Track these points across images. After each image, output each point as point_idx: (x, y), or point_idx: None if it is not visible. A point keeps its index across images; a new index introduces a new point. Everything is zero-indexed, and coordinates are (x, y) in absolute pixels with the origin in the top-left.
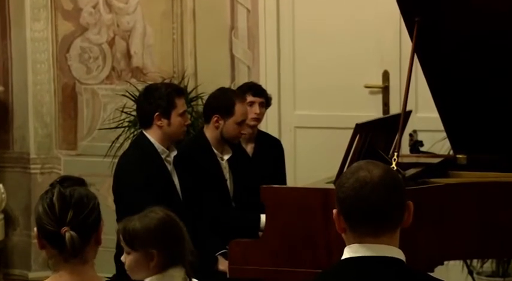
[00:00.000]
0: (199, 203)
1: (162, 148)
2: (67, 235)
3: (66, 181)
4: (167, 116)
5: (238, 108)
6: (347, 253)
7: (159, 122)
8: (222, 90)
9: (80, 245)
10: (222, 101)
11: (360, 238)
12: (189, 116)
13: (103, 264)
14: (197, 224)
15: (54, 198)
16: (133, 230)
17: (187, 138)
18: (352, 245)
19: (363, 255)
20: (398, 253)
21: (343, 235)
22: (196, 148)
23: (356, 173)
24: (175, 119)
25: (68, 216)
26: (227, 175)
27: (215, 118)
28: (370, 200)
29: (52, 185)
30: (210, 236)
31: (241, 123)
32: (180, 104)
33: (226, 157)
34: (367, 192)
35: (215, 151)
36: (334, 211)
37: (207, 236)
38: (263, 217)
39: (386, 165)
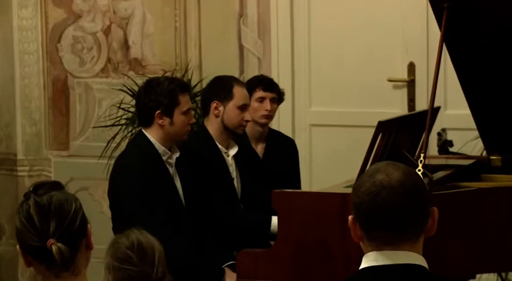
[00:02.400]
0: (204, 209)
1: (164, 148)
2: (54, 248)
3: (40, 187)
4: (169, 114)
5: (237, 90)
6: (365, 263)
7: (160, 121)
8: (217, 77)
9: (70, 256)
10: (219, 86)
11: (378, 247)
12: (193, 113)
13: (97, 276)
14: (202, 233)
15: (31, 210)
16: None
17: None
18: (369, 253)
19: (383, 264)
20: (420, 260)
21: (360, 243)
22: (198, 143)
23: (373, 176)
24: (178, 117)
25: (51, 227)
26: (233, 173)
27: (214, 104)
28: (387, 206)
29: (26, 196)
30: (216, 245)
31: (243, 109)
32: (184, 101)
33: (232, 153)
34: (384, 197)
35: (219, 146)
36: (350, 217)
37: (213, 245)
38: (275, 219)
39: (408, 167)
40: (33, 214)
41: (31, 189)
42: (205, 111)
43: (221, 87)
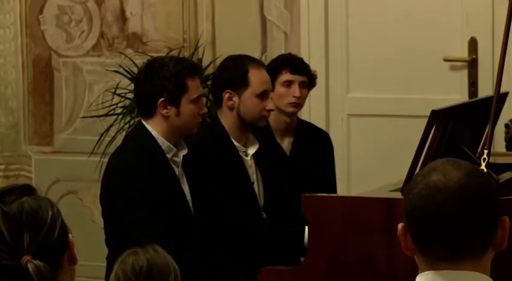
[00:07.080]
0: (216, 218)
1: (168, 144)
2: (30, 266)
3: (8, 193)
4: (175, 102)
5: (254, 74)
6: None
7: (164, 111)
8: (228, 58)
9: (51, 275)
10: (231, 71)
11: (434, 263)
12: (204, 101)
13: None
14: (214, 247)
15: None
16: None
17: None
18: (425, 273)
19: None
20: None
21: (415, 257)
22: (209, 140)
23: (428, 176)
24: (186, 106)
25: (24, 241)
26: (254, 176)
27: (227, 95)
28: (443, 213)
29: None
30: (231, 262)
31: (262, 96)
32: (194, 87)
33: (251, 152)
34: (439, 202)
35: (236, 143)
36: (400, 225)
37: (227, 263)
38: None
39: (473, 165)
40: (2, 227)
41: None
42: (217, 102)
43: (233, 73)
